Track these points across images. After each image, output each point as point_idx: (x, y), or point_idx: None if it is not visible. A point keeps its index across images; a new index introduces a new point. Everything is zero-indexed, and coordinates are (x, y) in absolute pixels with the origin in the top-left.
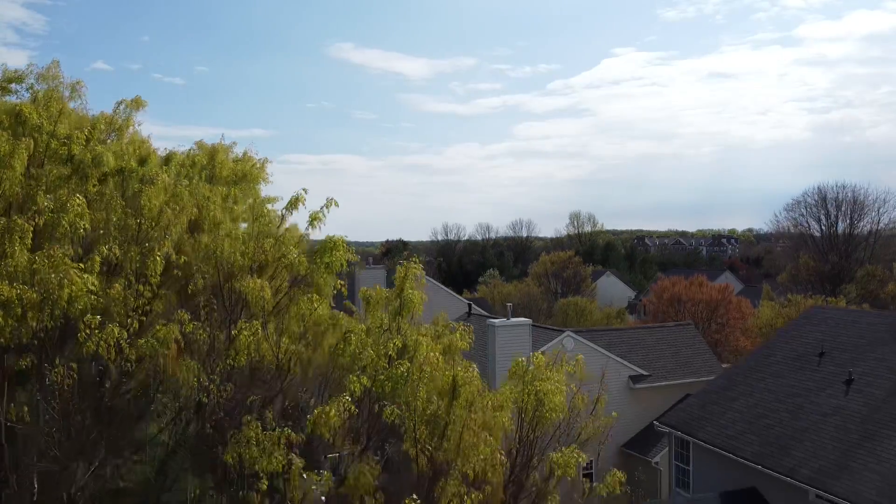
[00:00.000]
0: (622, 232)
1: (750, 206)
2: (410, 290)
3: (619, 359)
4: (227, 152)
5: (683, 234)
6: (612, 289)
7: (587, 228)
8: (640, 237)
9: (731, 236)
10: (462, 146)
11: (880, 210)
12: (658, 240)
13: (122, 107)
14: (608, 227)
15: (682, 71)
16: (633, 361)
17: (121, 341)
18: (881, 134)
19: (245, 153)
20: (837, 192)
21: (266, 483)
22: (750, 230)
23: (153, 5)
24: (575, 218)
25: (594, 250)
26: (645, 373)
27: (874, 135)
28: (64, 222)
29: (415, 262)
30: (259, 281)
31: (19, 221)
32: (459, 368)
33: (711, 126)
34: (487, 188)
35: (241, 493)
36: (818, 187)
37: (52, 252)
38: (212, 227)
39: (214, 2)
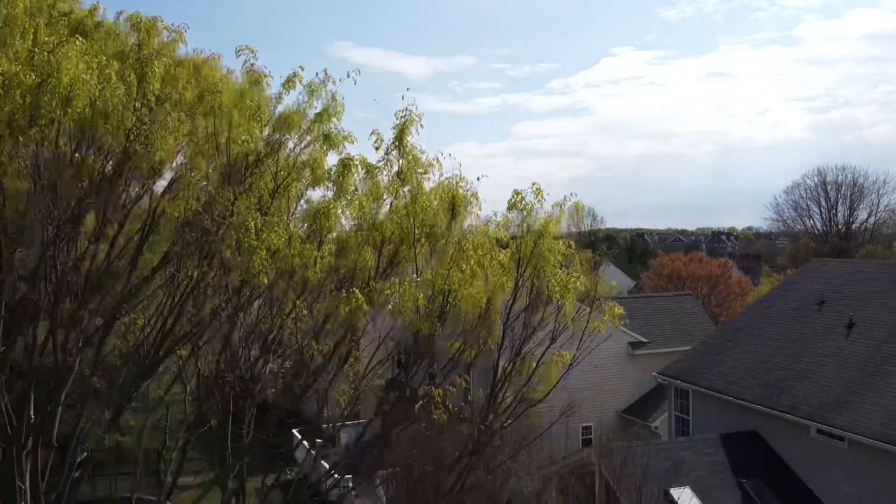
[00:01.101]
0: (622, 231)
1: (749, 206)
2: (410, 142)
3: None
4: (230, 74)
5: (683, 231)
6: (611, 278)
7: (587, 223)
8: (640, 234)
9: (730, 234)
10: (461, 145)
11: (880, 192)
12: (658, 236)
13: (121, 17)
14: (608, 225)
15: (682, 70)
16: (633, 329)
17: (118, 105)
18: (881, 133)
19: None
20: (837, 175)
21: (266, 279)
22: (749, 228)
23: (152, 4)
24: (575, 212)
25: (594, 243)
26: (644, 340)
27: (873, 134)
28: (66, 69)
29: (414, 111)
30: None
31: (21, 16)
32: (459, 190)
33: (711, 125)
34: (486, 187)
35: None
36: (818, 169)
37: (53, 43)
38: (210, 91)
39: (213, 1)
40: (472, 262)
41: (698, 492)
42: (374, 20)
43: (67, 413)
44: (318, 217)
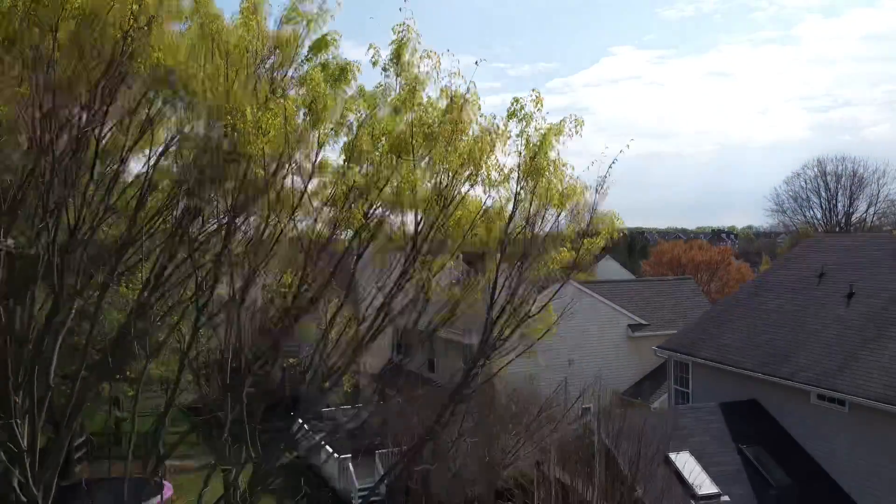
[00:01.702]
0: (622, 230)
1: (749, 205)
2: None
3: (618, 307)
4: None
5: (683, 230)
6: (611, 272)
7: (587, 218)
8: (640, 232)
9: (730, 232)
10: None
11: (879, 181)
12: (658, 234)
13: None
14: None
15: (681, 69)
16: (632, 312)
17: None
18: (880, 133)
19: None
20: (837, 165)
21: (262, 171)
22: (749, 227)
23: None
24: (575, 207)
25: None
26: (644, 322)
27: (873, 134)
28: None
29: (413, 26)
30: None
31: None
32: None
33: (711, 125)
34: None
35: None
36: (818, 159)
37: None
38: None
39: None
40: (471, 144)
41: (697, 456)
42: (373, 20)
43: (65, 385)
44: (315, 103)
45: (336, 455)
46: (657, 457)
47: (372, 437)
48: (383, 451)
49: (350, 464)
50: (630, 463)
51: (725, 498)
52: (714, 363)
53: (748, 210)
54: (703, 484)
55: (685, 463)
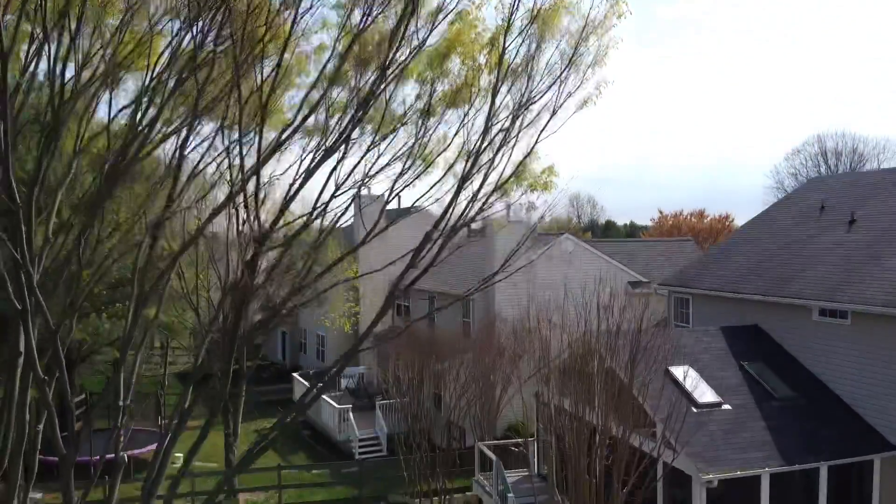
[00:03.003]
0: (622, 226)
1: (749, 204)
2: None
3: (618, 264)
4: None
5: None
6: None
7: (587, 210)
8: (640, 228)
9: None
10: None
11: (880, 157)
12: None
13: None
14: (608, 217)
15: (681, 69)
16: (633, 270)
17: None
18: (881, 133)
19: None
20: (837, 142)
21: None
22: None
23: None
24: (574, 199)
25: (594, 227)
26: (644, 279)
27: (873, 134)
28: None
29: None
30: None
31: None
32: None
33: (710, 124)
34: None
35: None
36: (818, 136)
37: None
38: None
39: None
40: None
41: (699, 370)
42: None
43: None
44: None
45: (336, 405)
46: (657, 368)
47: (372, 392)
48: (384, 402)
49: (351, 414)
50: (629, 359)
51: (727, 406)
52: (714, 292)
53: (748, 208)
54: (704, 393)
55: (686, 374)
